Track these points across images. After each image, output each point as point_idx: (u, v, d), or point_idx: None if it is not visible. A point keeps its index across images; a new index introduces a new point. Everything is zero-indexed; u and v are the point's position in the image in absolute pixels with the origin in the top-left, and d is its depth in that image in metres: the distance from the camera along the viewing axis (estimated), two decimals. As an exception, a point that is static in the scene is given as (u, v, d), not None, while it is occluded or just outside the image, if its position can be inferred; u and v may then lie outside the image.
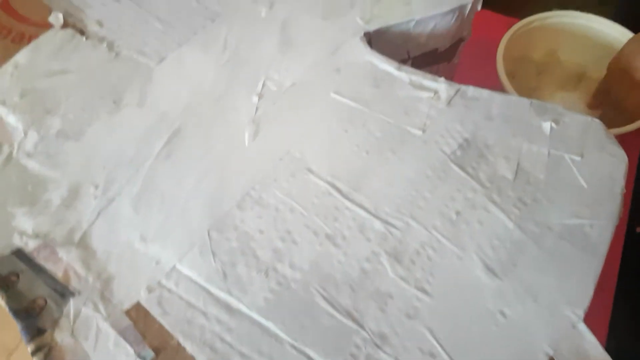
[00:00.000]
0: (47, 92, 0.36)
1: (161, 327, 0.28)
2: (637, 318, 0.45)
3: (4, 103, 0.36)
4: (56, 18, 0.39)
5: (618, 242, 0.47)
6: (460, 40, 0.45)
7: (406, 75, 0.37)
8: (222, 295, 0.29)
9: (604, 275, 0.46)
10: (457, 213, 0.31)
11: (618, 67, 0.48)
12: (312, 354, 0.27)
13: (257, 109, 0.36)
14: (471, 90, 0.36)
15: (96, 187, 0.33)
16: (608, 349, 0.27)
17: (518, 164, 0.33)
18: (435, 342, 0.28)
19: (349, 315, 0.29)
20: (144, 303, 0.29)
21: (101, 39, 0.39)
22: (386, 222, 0.31)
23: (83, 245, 0.31)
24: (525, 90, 0.55)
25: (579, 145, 0.34)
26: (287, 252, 0.30)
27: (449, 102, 0.36)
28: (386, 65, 0.37)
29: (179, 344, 0.28)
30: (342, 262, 0.30)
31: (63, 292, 0.29)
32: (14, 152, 0.34)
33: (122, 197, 0.33)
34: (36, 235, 0.31)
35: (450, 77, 0.49)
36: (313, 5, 0.41)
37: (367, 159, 0.34)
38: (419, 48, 0.43)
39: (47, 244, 0.31)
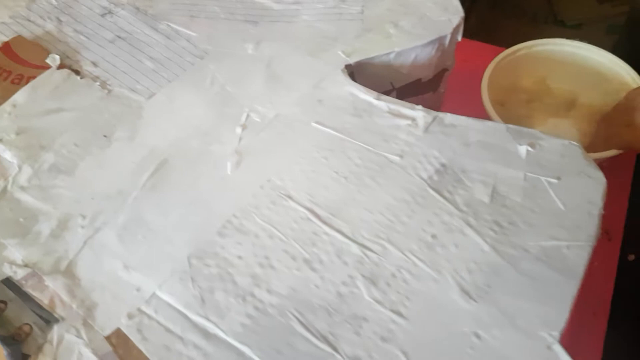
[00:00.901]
0: (42, 129, 0.38)
1: (140, 352, 0.29)
2: (630, 343, 0.44)
3: (0, 140, 0.37)
4: (53, 59, 0.41)
5: (611, 269, 0.47)
6: (444, 70, 0.47)
7: (385, 104, 0.38)
8: (200, 320, 0.30)
9: (598, 301, 0.46)
10: (433, 236, 0.32)
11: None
12: (286, 378, 0.28)
13: (240, 139, 0.37)
14: (449, 117, 0.37)
15: (84, 217, 0.34)
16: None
17: (494, 188, 0.34)
18: (409, 365, 0.28)
19: (324, 339, 0.29)
20: (124, 329, 0.30)
21: (95, 78, 0.41)
22: (363, 246, 0.32)
23: (69, 273, 0.32)
24: (516, 118, 0.56)
25: (557, 168, 0.34)
26: (265, 277, 0.31)
27: (427, 129, 0.36)
28: (366, 96, 0.39)
29: (156, 369, 0.28)
30: (319, 286, 0.31)
31: (48, 318, 0.30)
32: (9, 186, 0.36)
33: (107, 227, 0.34)
34: (25, 265, 0.32)
35: (437, 106, 0.50)
36: (298, 42, 0.43)
37: (347, 185, 0.35)
38: (402, 79, 0.44)
39: (35, 272, 0.32)
